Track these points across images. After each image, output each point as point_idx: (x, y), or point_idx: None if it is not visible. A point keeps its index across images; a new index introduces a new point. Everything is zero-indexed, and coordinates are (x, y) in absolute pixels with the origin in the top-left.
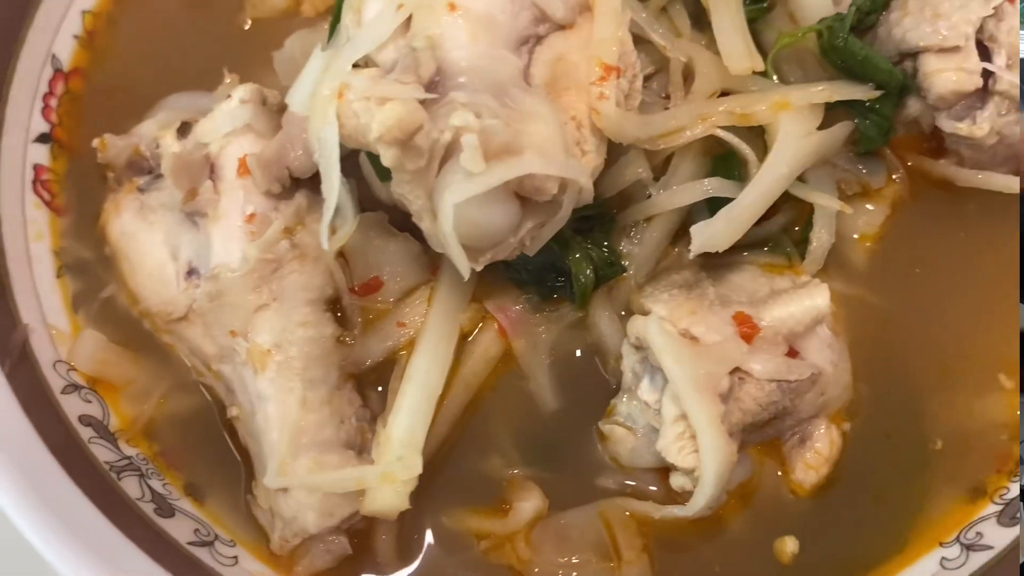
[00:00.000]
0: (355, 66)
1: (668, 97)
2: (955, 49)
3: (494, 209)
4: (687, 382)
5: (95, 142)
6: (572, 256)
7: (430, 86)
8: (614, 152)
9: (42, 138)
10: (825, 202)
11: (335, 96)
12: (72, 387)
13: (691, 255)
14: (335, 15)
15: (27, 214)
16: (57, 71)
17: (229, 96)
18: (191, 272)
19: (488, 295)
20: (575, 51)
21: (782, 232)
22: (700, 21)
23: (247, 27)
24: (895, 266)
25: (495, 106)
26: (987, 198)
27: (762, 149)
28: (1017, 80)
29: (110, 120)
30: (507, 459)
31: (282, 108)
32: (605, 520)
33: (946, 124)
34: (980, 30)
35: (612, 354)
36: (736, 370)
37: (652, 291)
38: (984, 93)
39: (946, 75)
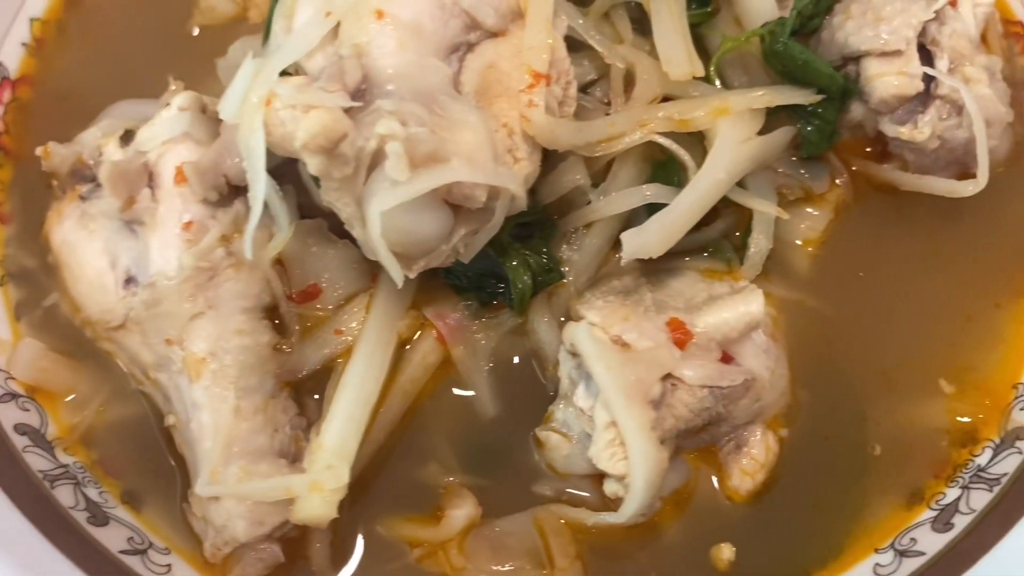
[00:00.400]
0: (285, 73)
1: (610, 103)
2: (896, 53)
3: (423, 216)
4: (616, 389)
5: (38, 150)
6: (510, 263)
7: (356, 94)
8: (553, 159)
9: None
10: (764, 208)
11: (262, 104)
12: (9, 396)
13: (622, 262)
14: (267, 21)
15: None
16: (4, 79)
17: (168, 104)
18: (129, 280)
19: (428, 302)
20: (506, 59)
21: (722, 237)
22: (643, 26)
23: (195, 33)
24: (837, 271)
25: (423, 114)
26: (932, 202)
27: (702, 155)
28: (957, 84)
29: (57, 128)
30: (445, 466)
31: None
32: (539, 527)
33: (888, 128)
34: (922, 34)
35: (550, 360)
36: (668, 376)
37: (589, 297)
38: (926, 97)
39: (887, 79)
